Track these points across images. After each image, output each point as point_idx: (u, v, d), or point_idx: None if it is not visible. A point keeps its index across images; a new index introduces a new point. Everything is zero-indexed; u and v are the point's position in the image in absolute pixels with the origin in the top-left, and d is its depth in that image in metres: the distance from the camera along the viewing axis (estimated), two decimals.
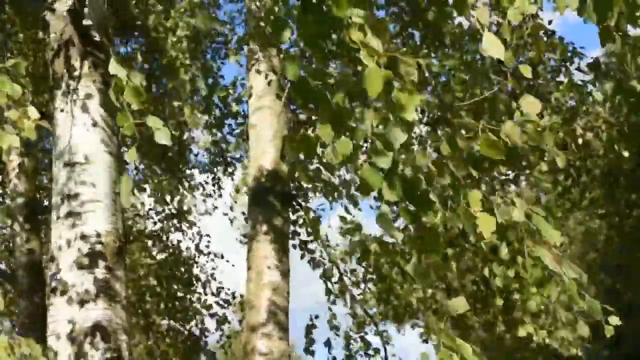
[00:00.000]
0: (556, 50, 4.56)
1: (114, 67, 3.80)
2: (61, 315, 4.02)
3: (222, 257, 11.40)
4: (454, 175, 3.40)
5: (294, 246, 8.03)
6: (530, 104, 3.54)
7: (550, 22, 8.83)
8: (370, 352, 8.08)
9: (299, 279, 14.58)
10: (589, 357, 17.97)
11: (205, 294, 11.25)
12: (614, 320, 4.32)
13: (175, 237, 11.54)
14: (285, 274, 6.55)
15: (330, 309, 8.03)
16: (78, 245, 4.09)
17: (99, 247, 4.10)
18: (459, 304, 3.73)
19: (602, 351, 18.04)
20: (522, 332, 5.80)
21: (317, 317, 7.99)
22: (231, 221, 11.02)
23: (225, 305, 11.27)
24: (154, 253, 11.51)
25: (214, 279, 11.35)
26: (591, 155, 9.14)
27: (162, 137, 3.75)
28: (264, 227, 6.51)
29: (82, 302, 4.00)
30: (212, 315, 11.09)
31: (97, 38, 4.44)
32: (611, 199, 10.72)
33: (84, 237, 4.10)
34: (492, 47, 3.04)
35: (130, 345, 4.15)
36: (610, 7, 3.25)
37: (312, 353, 7.76)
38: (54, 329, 4.03)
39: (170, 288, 11.19)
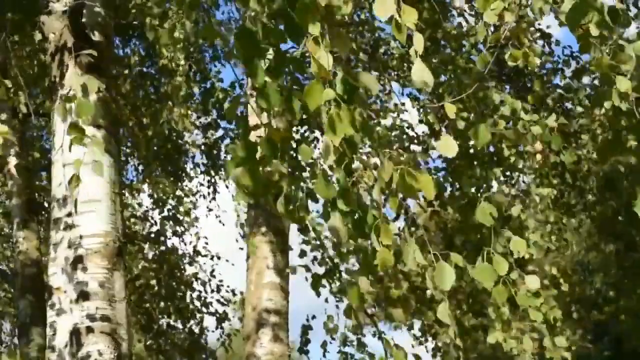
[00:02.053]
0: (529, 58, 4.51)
1: (71, 78, 3.84)
2: (60, 316, 4.01)
3: (219, 258, 11.41)
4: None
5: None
6: (447, 146, 3.34)
7: (548, 27, 8.85)
8: (365, 356, 8.06)
9: (299, 279, 14.55)
10: (589, 357, 17.97)
11: (206, 292, 11.26)
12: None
13: (173, 240, 11.58)
14: (285, 274, 6.55)
15: (325, 311, 7.99)
16: (77, 245, 4.08)
17: (98, 247, 4.09)
18: (398, 315, 3.73)
19: (602, 351, 18.04)
20: (491, 339, 5.76)
21: (314, 317, 7.96)
22: (221, 222, 11.01)
23: (226, 303, 11.28)
24: (151, 255, 11.50)
25: (214, 277, 11.36)
26: (582, 159, 9.12)
27: (97, 169, 3.94)
28: (264, 227, 6.51)
29: (81, 302, 3.99)
30: (212, 314, 11.09)
31: (96, 38, 4.43)
32: (605, 202, 10.72)
33: (83, 237, 4.09)
34: (420, 75, 3.02)
35: (131, 345, 4.14)
36: (582, 13, 3.24)
37: (307, 352, 7.74)
38: (54, 329, 4.02)
39: (169, 287, 11.19)
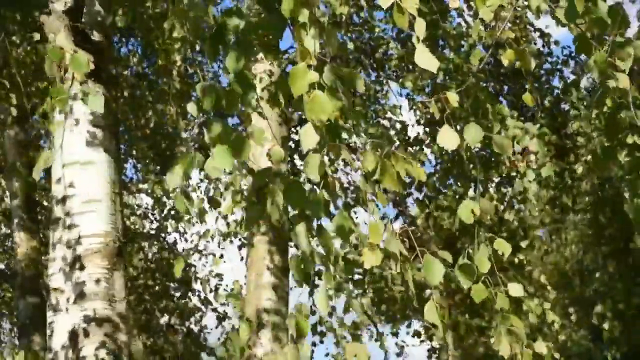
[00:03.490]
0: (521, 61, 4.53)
1: (61, 38, 3.84)
2: (61, 316, 4.01)
3: (222, 256, 11.35)
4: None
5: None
6: (447, 138, 3.30)
7: (547, 27, 8.85)
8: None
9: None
10: (589, 357, 17.98)
11: (204, 291, 11.27)
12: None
13: (174, 235, 11.58)
14: (284, 274, 6.54)
15: (313, 313, 7.96)
16: (77, 245, 4.08)
17: (98, 246, 4.09)
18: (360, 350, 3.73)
19: (602, 351, 18.05)
20: (500, 348, 5.72)
21: (306, 316, 7.91)
22: (224, 217, 10.97)
23: (225, 302, 11.27)
24: (150, 255, 11.50)
25: (213, 277, 11.36)
26: (579, 159, 9.15)
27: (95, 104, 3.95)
28: (263, 227, 6.50)
29: (81, 302, 3.99)
30: (214, 310, 11.10)
31: (95, 38, 4.43)
32: (599, 204, 10.75)
33: (83, 236, 4.09)
34: (423, 60, 3.00)
35: (131, 345, 4.14)
36: (577, 11, 3.24)
37: None
38: (54, 329, 4.02)
39: (168, 286, 11.19)
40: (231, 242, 9.94)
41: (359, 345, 3.68)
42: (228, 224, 9.50)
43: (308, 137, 2.91)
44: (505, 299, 3.86)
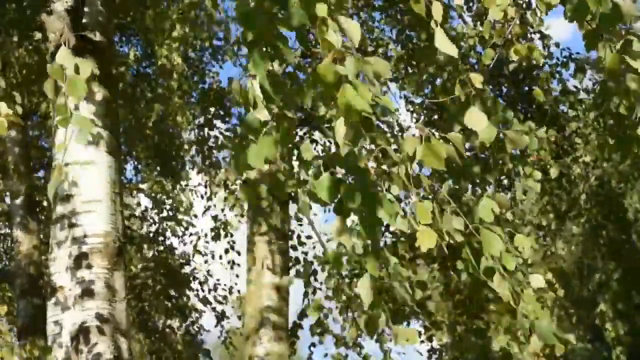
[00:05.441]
0: (532, 55, 4.52)
1: (62, 56, 3.83)
2: (61, 316, 4.02)
3: (214, 257, 11.33)
4: (404, 182, 3.27)
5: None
6: (474, 119, 3.29)
7: (547, 28, 8.84)
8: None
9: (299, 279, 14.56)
10: (589, 357, 17.98)
11: (203, 291, 11.25)
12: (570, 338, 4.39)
13: (171, 239, 11.56)
14: (285, 274, 6.55)
15: (310, 313, 7.96)
16: (77, 245, 4.08)
17: (98, 246, 4.10)
18: (409, 334, 3.67)
19: (601, 351, 18.06)
20: (496, 345, 5.72)
21: (306, 316, 7.96)
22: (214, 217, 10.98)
23: (223, 302, 11.27)
24: (149, 256, 11.49)
25: (211, 276, 11.36)
26: (577, 160, 9.15)
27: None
28: (263, 227, 6.51)
29: (81, 302, 3.99)
30: (213, 309, 11.08)
31: (96, 38, 4.44)
32: (598, 206, 10.74)
33: (83, 236, 4.10)
34: (443, 44, 2.94)
35: (130, 345, 4.15)
36: (587, 8, 3.21)
37: (294, 352, 7.74)
38: (54, 329, 4.03)
39: (166, 287, 11.18)
40: (219, 241, 9.93)
41: (408, 329, 3.66)
42: (215, 222, 9.51)
43: (343, 132, 2.83)
44: (532, 295, 3.87)
